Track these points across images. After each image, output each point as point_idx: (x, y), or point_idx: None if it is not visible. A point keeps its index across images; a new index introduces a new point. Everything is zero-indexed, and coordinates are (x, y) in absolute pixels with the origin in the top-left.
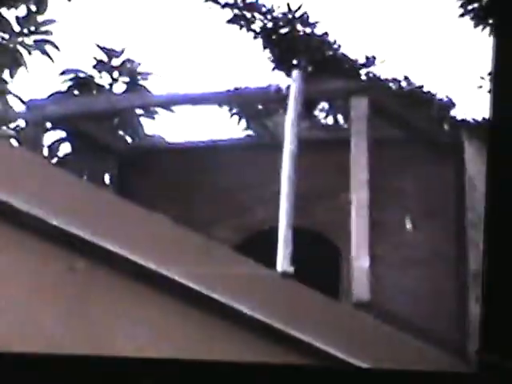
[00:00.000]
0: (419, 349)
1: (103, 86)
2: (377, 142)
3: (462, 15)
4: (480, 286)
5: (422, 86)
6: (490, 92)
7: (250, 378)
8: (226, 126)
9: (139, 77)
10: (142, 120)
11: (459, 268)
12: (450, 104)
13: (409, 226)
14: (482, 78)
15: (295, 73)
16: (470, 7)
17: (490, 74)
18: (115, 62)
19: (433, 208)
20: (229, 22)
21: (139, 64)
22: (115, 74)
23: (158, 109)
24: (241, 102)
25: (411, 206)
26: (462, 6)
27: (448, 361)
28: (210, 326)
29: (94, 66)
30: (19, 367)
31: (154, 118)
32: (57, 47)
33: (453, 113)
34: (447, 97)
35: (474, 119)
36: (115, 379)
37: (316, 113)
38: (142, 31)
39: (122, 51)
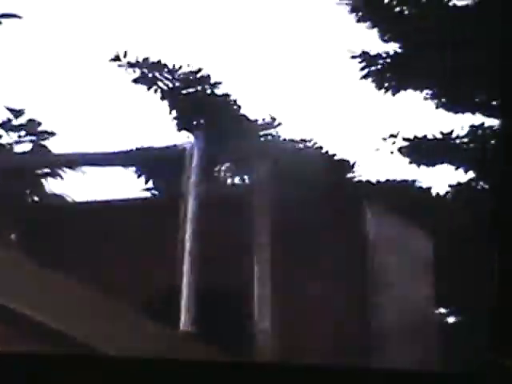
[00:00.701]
0: None
1: (4, 146)
2: (279, 204)
3: (364, 77)
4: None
5: (322, 147)
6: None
7: (250, 377)
8: (131, 185)
9: (42, 137)
10: (47, 179)
11: (363, 330)
12: (350, 165)
13: (311, 287)
14: (384, 140)
15: (198, 133)
16: (372, 68)
17: (390, 135)
18: (18, 121)
19: (338, 270)
20: (135, 81)
21: (39, 124)
22: (19, 134)
23: (63, 168)
24: (146, 161)
25: (315, 268)
26: (363, 68)
27: None
28: None
29: None
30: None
31: (58, 178)
32: None
33: (353, 174)
34: (346, 159)
35: (374, 181)
36: (115, 379)
37: (220, 172)
38: (45, 91)
39: (23, 111)
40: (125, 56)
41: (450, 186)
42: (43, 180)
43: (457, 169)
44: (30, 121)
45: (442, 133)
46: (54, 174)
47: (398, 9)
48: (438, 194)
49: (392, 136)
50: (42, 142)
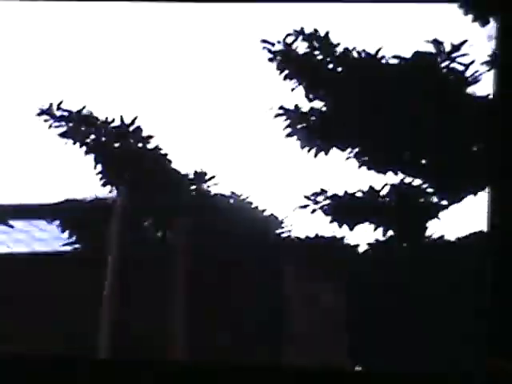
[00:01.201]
0: None
1: None
2: (199, 261)
3: (288, 135)
4: None
5: (251, 203)
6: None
7: (250, 380)
8: (56, 238)
9: None
10: None
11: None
12: (276, 222)
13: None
14: (307, 198)
15: (124, 187)
16: (296, 127)
17: (315, 193)
18: None
19: (251, 331)
20: (61, 135)
21: None
22: None
23: None
24: (68, 214)
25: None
26: (289, 126)
27: None
28: None
29: None
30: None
31: None
32: None
33: (277, 231)
34: (270, 215)
35: (296, 238)
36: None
37: (143, 228)
38: None
39: None
40: (58, 108)
41: (369, 244)
42: None
43: (377, 228)
44: None
45: (363, 191)
46: None
47: (322, 68)
48: (356, 251)
49: (316, 194)
50: None
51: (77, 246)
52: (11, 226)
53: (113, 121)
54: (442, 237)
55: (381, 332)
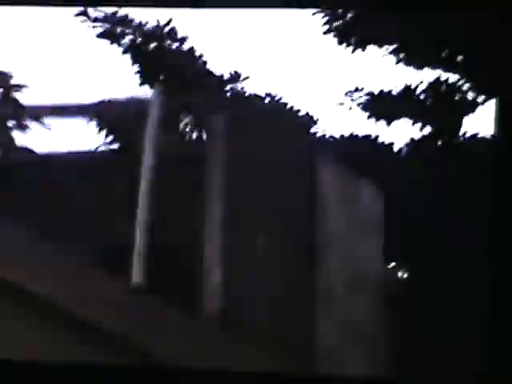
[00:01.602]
0: (269, 361)
1: None
2: (234, 160)
3: (326, 32)
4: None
5: (285, 103)
6: None
7: None
8: (93, 139)
9: (10, 89)
10: (11, 132)
11: (310, 287)
12: (310, 122)
13: (261, 244)
14: (347, 95)
15: (159, 87)
16: (334, 24)
17: (351, 91)
18: None
19: (286, 227)
20: (99, 36)
21: (10, 76)
22: None
23: (26, 120)
24: (107, 114)
25: (265, 225)
26: (326, 23)
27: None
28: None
29: None
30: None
31: (22, 130)
32: None
33: (311, 130)
34: (307, 114)
35: (331, 137)
36: None
37: (180, 128)
38: (11, 43)
39: None
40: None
41: (407, 142)
42: (10, 133)
43: (414, 124)
44: (1, 74)
45: (402, 88)
46: (20, 127)
47: None
48: (395, 149)
49: (353, 91)
50: (13, 95)
51: (114, 145)
52: (48, 127)
53: (148, 22)
54: (477, 134)
55: (417, 232)
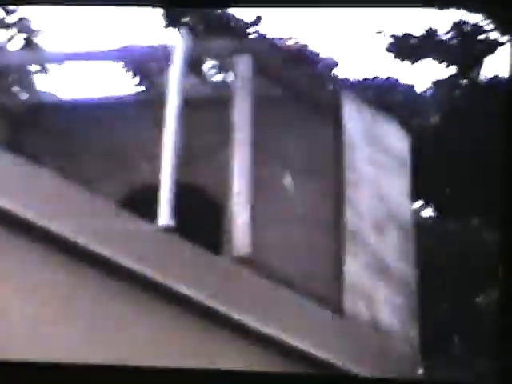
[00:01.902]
0: (299, 304)
1: None
2: (259, 101)
3: None
4: (356, 245)
5: (307, 45)
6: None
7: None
8: (118, 83)
9: (33, 34)
10: (35, 77)
11: (337, 227)
12: (333, 63)
13: (289, 183)
14: (379, 33)
15: (183, 31)
16: None
17: (376, 32)
18: (10, 19)
19: (313, 167)
20: None
21: (31, 22)
22: (11, 31)
23: (51, 65)
24: (132, 59)
25: (292, 165)
26: None
27: (327, 315)
28: (90, 279)
29: None
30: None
31: (46, 73)
32: None
33: (335, 72)
34: (330, 56)
35: (355, 79)
36: None
37: (205, 70)
38: None
39: (15, 9)
40: None
41: (432, 82)
42: (32, 77)
43: (440, 64)
44: (23, 19)
45: (427, 30)
46: (43, 71)
47: None
48: (418, 90)
49: (377, 32)
50: (34, 40)
51: (139, 89)
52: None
53: None
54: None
55: (445, 174)
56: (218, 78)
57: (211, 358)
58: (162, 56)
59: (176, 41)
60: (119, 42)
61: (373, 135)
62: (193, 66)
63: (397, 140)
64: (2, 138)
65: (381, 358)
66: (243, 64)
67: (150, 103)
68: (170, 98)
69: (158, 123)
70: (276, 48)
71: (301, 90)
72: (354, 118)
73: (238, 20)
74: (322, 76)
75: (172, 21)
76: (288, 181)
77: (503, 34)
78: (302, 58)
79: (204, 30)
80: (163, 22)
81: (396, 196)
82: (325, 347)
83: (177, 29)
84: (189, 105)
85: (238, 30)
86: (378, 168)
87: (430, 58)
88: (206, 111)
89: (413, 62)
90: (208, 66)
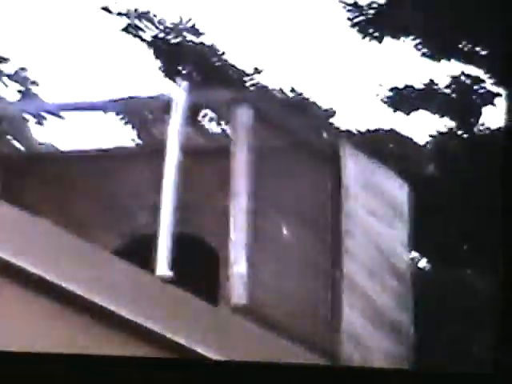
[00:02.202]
0: (295, 352)
1: None
2: (258, 151)
3: (352, 26)
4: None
5: (305, 96)
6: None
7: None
8: (116, 135)
9: (30, 84)
10: (33, 127)
11: (334, 276)
12: (332, 113)
13: (286, 234)
14: (381, 86)
15: (182, 82)
16: (357, 20)
17: (376, 85)
18: (6, 68)
19: (311, 216)
20: (123, 30)
21: (26, 70)
22: (7, 82)
23: (48, 116)
24: (130, 110)
25: (290, 215)
26: (350, 19)
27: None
28: (87, 329)
29: None
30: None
31: (43, 124)
32: None
33: (333, 121)
34: (328, 107)
35: (353, 129)
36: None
37: (203, 121)
38: (32, 37)
39: (8, 59)
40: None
41: (429, 135)
42: (29, 127)
43: (436, 117)
44: (21, 69)
45: (426, 82)
46: (39, 121)
47: None
48: (416, 142)
49: (376, 85)
50: (33, 90)
51: (137, 140)
52: (71, 121)
53: (170, 17)
54: (499, 129)
55: (442, 222)
56: (217, 128)
57: None
58: (161, 107)
59: (175, 92)
60: (118, 92)
61: (372, 185)
62: (192, 116)
63: (395, 190)
64: None
65: None
66: (242, 114)
67: (148, 154)
68: (169, 148)
69: (157, 174)
70: (275, 98)
71: (300, 140)
72: (353, 167)
73: (238, 70)
74: (321, 126)
75: (170, 72)
76: (285, 231)
77: (499, 84)
78: (301, 108)
79: (202, 81)
80: (162, 73)
81: (394, 246)
82: None
83: (175, 80)
84: (187, 155)
85: (237, 80)
86: (377, 218)
87: (429, 111)
88: (205, 161)
89: (409, 115)
90: (207, 116)
